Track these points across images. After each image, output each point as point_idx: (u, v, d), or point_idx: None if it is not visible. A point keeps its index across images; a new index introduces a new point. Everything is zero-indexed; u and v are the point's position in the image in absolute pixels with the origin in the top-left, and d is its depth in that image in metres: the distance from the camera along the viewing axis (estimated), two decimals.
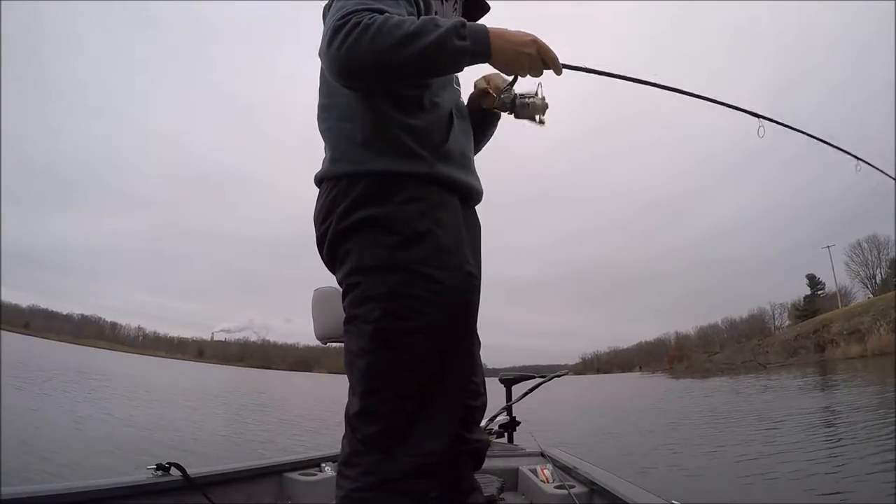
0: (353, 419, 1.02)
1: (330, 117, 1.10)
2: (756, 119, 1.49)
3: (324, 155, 1.13)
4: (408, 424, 0.99)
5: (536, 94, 1.14)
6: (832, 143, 1.76)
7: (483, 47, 0.98)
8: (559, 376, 3.28)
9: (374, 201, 1.01)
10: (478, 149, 1.32)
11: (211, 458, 5.87)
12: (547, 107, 1.13)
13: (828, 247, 53.15)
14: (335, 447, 3.00)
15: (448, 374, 1.03)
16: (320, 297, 1.74)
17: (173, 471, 1.72)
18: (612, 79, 1.30)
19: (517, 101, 1.14)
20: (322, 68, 1.11)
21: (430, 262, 1.00)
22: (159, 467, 1.71)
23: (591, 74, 1.24)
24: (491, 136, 1.39)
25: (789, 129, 1.61)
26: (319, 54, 1.01)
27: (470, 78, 1.16)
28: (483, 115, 1.30)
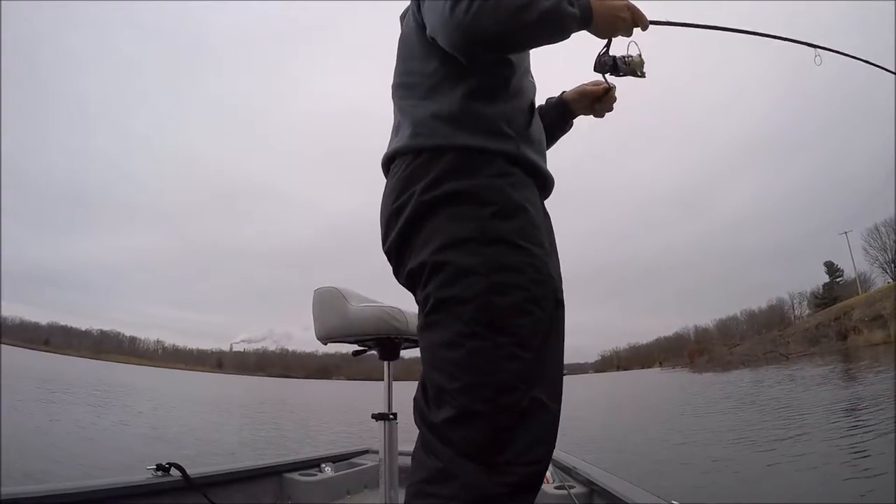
0: (446, 427, 0.86)
1: (411, 95, 1.07)
2: (812, 49, 1.46)
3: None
4: (513, 426, 0.85)
5: (631, 52, 1.18)
6: (883, 66, 1.69)
7: (588, 14, 1.00)
8: None
9: (461, 174, 0.95)
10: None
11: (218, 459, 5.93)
12: (644, 62, 1.17)
13: (845, 232, 52.31)
14: (335, 447, 3.03)
15: (550, 366, 0.92)
16: (320, 297, 1.74)
17: (173, 471, 1.73)
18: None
19: (618, 63, 1.18)
20: (400, 39, 1.12)
21: (524, 236, 0.94)
22: (159, 467, 1.72)
23: (674, 27, 1.25)
24: (556, 141, 1.36)
25: (847, 57, 1.57)
26: (434, 24, 0.97)
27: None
28: (562, 117, 1.32)
